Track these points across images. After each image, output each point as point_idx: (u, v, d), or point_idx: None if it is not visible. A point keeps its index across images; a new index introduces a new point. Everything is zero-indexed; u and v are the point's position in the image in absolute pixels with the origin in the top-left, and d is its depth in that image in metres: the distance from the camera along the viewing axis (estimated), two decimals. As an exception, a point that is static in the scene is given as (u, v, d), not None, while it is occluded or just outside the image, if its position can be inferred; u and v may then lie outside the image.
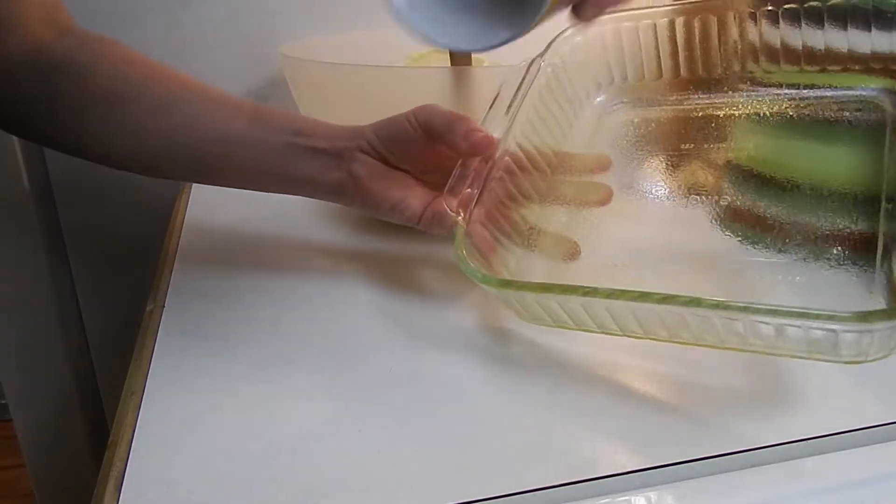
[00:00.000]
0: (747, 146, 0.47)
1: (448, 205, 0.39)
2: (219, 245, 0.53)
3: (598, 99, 0.50)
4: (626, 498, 0.31)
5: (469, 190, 0.40)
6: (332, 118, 0.55)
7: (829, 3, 0.43)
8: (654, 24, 0.48)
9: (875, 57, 0.43)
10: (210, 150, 0.44)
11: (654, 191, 0.46)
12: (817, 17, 0.44)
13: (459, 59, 0.52)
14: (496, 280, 0.36)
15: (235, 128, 0.44)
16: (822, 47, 0.44)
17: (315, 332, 0.42)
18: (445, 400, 0.36)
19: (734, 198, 0.45)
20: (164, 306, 0.45)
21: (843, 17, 0.43)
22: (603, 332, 0.35)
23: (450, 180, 0.40)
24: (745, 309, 0.30)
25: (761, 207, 0.44)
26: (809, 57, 0.45)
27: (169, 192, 0.72)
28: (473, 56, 0.52)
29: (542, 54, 0.46)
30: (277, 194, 0.46)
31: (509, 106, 0.44)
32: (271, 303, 0.45)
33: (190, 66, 0.70)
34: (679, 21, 0.47)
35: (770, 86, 0.47)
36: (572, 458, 0.32)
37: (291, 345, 0.41)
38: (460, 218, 0.39)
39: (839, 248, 0.40)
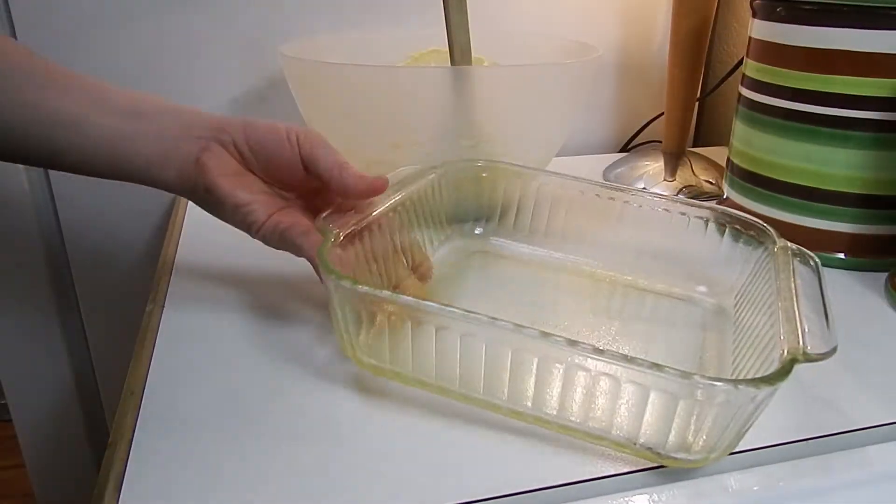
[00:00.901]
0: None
1: (318, 223, 0.38)
2: (219, 245, 0.53)
3: (478, 230, 0.52)
4: (626, 498, 0.31)
5: (348, 219, 0.39)
6: (332, 118, 0.55)
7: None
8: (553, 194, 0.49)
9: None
10: (36, 132, 0.39)
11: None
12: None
13: (459, 59, 0.51)
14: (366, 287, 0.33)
15: (68, 110, 0.39)
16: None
17: (315, 332, 0.42)
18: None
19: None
20: (163, 306, 0.45)
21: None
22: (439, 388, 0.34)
23: (328, 211, 0.39)
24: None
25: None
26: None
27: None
28: (473, 56, 0.52)
29: (441, 166, 0.48)
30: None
31: (402, 186, 0.45)
32: (270, 303, 0.45)
33: (190, 66, 0.71)
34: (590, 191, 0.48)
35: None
36: (571, 456, 0.32)
37: (291, 345, 0.41)
38: (336, 230, 0.38)
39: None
